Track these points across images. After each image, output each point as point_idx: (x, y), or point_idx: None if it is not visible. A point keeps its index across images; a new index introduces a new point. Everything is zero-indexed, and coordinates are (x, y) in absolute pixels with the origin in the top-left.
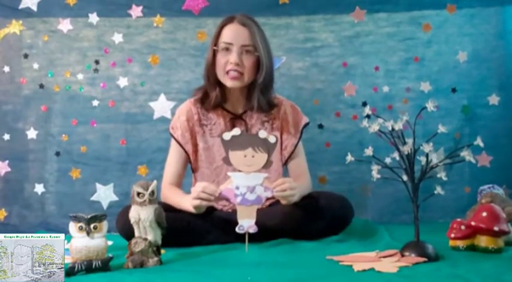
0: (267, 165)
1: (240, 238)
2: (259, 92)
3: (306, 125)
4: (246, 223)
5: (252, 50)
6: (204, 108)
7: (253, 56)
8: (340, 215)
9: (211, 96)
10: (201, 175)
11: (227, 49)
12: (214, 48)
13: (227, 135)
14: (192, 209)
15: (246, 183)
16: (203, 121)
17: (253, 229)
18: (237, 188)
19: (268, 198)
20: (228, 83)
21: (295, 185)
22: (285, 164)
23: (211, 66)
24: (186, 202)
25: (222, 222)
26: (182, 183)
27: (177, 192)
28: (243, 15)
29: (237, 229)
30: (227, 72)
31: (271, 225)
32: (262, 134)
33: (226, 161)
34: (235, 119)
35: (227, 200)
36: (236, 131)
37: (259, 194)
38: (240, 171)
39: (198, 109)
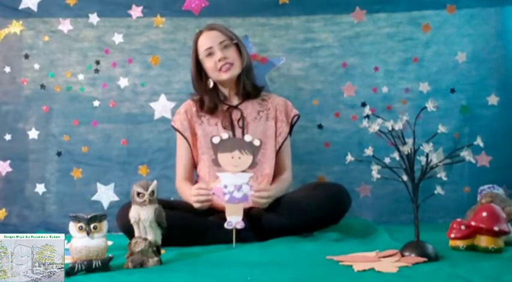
0: (252, 165)
1: (239, 239)
2: (244, 77)
3: (297, 117)
4: (234, 219)
5: (229, 42)
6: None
7: (232, 47)
8: (338, 201)
9: (205, 100)
10: (201, 162)
11: (210, 54)
12: (200, 58)
13: (216, 139)
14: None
15: (234, 182)
16: (201, 113)
17: (240, 225)
18: (225, 186)
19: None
20: (224, 76)
21: (273, 195)
22: (277, 152)
23: (196, 77)
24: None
25: (222, 222)
26: (193, 174)
27: (187, 187)
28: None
29: (225, 225)
30: (219, 70)
31: (271, 222)
32: (248, 137)
33: (215, 162)
34: (232, 109)
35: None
36: (224, 136)
37: (245, 192)
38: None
39: (196, 105)
